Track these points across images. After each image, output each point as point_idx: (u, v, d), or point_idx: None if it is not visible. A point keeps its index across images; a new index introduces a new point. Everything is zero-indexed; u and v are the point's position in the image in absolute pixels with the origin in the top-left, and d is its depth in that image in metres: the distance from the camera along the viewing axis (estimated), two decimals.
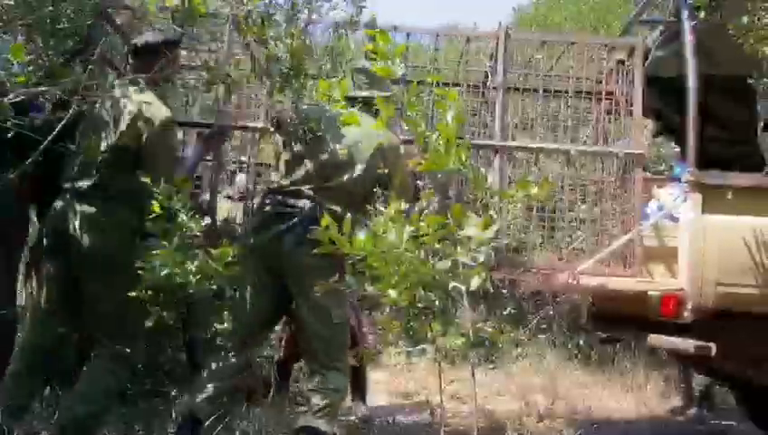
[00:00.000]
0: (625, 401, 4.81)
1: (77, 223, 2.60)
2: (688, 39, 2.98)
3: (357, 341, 3.76)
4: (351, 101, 2.85)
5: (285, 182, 2.75)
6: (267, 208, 2.76)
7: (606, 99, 3.54)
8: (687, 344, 2.88)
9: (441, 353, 2.67)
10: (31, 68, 2.67)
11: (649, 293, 2.93)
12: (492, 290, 2.24)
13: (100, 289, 2.63)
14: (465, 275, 2.16)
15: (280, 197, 2.73)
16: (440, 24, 16.21)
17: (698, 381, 4.39)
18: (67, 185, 2.67)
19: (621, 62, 3.43)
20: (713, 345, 2.84)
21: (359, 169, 2.70)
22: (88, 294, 2.67)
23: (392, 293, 2.18)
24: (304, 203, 2.66)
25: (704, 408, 4.39)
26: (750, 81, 3.00)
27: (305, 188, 2.69)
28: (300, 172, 2.73)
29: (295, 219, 2.63)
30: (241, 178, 4.56)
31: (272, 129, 2.97)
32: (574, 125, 3.74)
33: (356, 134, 2.70)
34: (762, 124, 3.18)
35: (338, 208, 2.57)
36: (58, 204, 2.68)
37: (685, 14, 3.03)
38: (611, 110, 3.45)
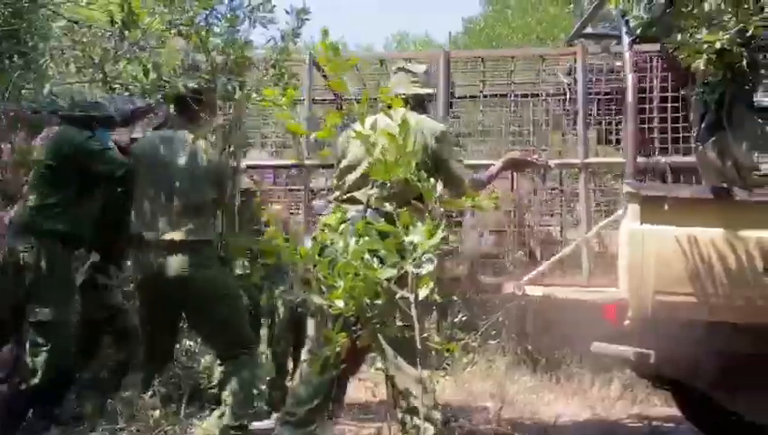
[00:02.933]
0: (572, 405, 4.89)
1: (179, 274, 3.00)
2: (627, 55, 3.07)
3: None
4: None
5: (339, 192, 2.79)
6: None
7: None
8: (628, 352, 2.96)
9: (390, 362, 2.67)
10: None
11: (591, 301, 3.00)
12: (440, 299, 2.24)
13: (225, 311, 3.10)
14: (413, 285, 2.16)
15: (335, 206, 2.73)
16: (390, 33, 16.59)
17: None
18: (152, 235, 3.04)
19: None
20: (652, 352, 2.92)
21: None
22: (212, 325, 3.14)
23: (339, 303, 2.18)
24: (357, 208, 2.64)
25: None
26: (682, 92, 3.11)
27: (357, 194, 2.70)
28: (351, 178, 2.76)
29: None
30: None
31: None
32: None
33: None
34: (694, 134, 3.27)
35: (390, 208, 2.55)
36: (151, 256, 3.03)
37: (623, 30, 3.12)
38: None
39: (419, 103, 2.90)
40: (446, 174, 2.79)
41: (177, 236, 3.02)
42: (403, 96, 2.81)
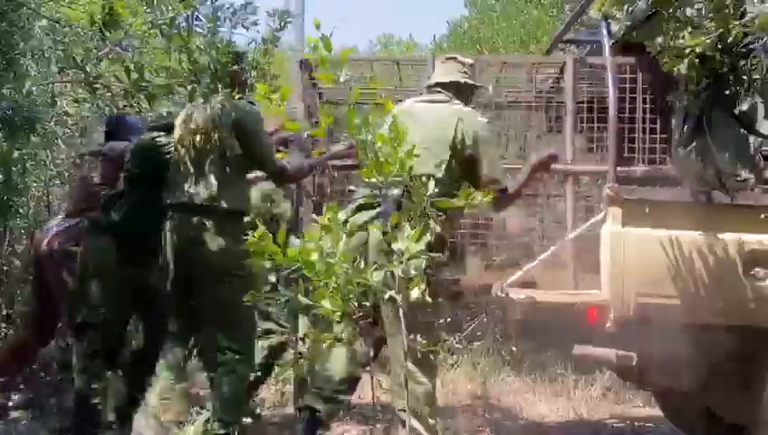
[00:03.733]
0: (555, 406, 4.91)
1: (200, 237, 2.89)
2: (608, 59, 3.09)
3: None
4: (438, 86, 2.93)
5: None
6: (359, 199, 2.74)
7: None
8: (610, 354, 2.97)
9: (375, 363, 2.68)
10: None
11: (574, 304, 3.01)
12: (430, 300, 2.24)
13: (227, 294, 2.87)
14: (401, 286, 2.15)
15: (372, 188, 2.67)
16: (375, 35, 16.94)
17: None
18: (176, 200, 2.96)
19: None
20: (634, 354, 2.94)
21: (430, 154, 2.65)
22: (214, 301, 2.95)
23: (326, 303, 2.17)
24: (392, 190, 2.51)
25: None
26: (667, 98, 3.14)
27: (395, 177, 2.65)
28: None
29: (380, 208, 2.55)
30: None
31: None
32: None
33: (430, 120, 2.72)
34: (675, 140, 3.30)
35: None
36: (176, 220, 2.95)
37: (604, 33, 3.13)
38: None
39: (463, 94, 2.93)
40: (482, 171, 2.83)
41: (188, 198, 2.94)
42: (448, 82, 2.90)
